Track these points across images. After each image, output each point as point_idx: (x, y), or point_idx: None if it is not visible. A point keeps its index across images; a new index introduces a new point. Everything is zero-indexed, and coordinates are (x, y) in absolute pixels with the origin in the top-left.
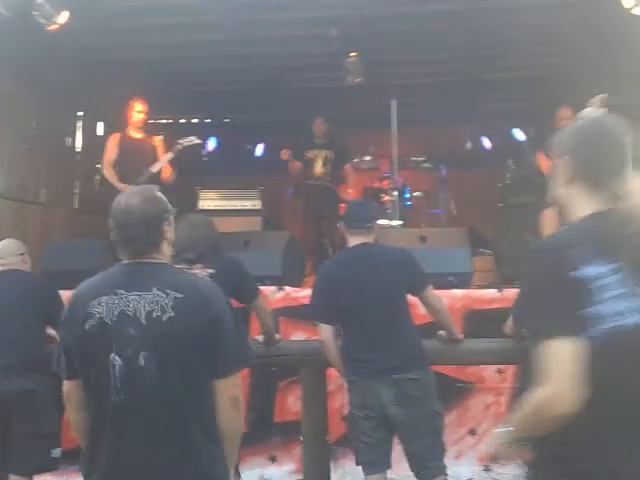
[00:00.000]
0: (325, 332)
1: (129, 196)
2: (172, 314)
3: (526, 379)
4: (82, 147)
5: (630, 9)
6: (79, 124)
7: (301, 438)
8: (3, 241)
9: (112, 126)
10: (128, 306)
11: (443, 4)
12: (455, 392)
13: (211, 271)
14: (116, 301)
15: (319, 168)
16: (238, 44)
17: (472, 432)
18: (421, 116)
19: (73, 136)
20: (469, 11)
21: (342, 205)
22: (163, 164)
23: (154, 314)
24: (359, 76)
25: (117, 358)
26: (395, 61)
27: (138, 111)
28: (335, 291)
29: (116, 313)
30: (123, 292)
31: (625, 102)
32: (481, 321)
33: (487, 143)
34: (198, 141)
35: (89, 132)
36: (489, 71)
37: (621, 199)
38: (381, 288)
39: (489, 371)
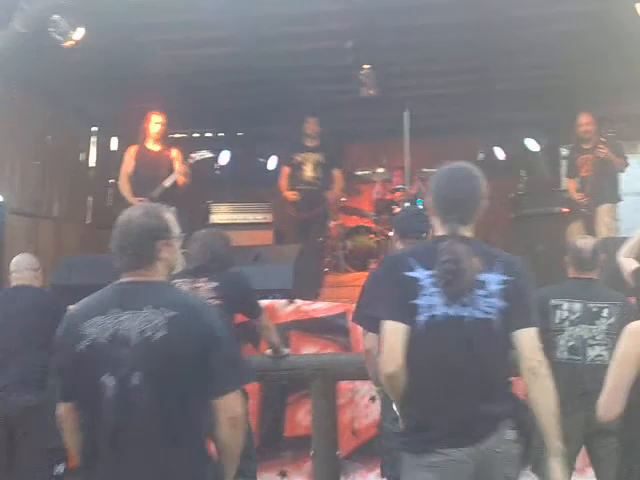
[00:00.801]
0: (371, 341)
1: (134, 209)
2: (165, 332)
3: None
4: (96, 162)
5: None
6: (93, 139)
7: (311, 453)
8: (20, 255)
9: (126, 141)
10: (121, 326)
11: (457, 15)
12: None
13: (215, 284)
14: (109, 321)
15: (308, 172)
16: (251, 58)
17: None
18: (434, 127)
19: (87, 151)
20: (482, 22)
21: (333, 211)
22: (176, 178)
23: (147, 333)
24: (373, 88)
25: (111, 378)
26: (408, 72)
27: (156, 122)
28: None
29: (109, 333)
30: (116, 312)
31: None
32: None
33: (500, 154)
34: (210, 155)
35: (103, 147)
36: (502, 81)
37: (459, 228)
38: None
39: None
